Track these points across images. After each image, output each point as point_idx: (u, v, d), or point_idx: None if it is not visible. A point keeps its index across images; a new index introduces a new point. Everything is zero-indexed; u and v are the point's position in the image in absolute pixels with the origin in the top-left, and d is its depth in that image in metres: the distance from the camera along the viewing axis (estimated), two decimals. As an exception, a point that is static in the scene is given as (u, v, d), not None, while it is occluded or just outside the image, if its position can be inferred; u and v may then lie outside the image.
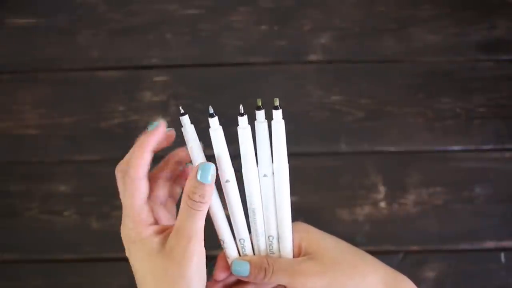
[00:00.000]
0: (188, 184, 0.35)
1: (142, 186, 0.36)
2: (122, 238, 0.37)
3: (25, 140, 0.70)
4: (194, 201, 0.34)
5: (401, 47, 0.72)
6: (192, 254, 0.34)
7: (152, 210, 0.37)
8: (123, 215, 0.37)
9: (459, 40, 0.72)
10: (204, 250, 0.35)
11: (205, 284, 0.35)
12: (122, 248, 0.37)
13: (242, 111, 0.35)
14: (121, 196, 0.38)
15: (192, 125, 0.37)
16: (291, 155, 0.69)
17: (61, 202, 0.68)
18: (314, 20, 0.73)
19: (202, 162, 0.35)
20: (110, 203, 0.67)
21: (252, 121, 0.36)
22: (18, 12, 0.74)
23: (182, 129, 0.37)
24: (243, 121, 0.35)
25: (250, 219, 0.38)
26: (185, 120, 0.36)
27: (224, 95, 0.71)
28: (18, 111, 0.71)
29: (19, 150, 0.70)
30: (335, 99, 0.71)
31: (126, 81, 0.72)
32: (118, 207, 0.67)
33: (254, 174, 0.37)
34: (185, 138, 0.37)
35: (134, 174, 0.36)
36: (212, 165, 0.35)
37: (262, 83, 0.71)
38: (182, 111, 0.36)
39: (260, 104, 0.35)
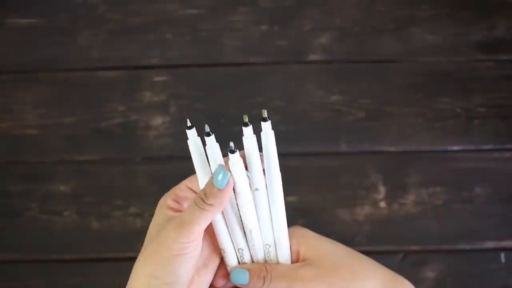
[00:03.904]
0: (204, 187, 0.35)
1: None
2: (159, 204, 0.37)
3: (25, 140, 0.70)
4: (200, 198, 0.34)
5: (400, 47, 0.72)
6: (183, 246, 0.34)
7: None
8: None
9: (459, 40, 0.72)
10: (199, 248, 0.35)
11: (190, 278, 0.35)
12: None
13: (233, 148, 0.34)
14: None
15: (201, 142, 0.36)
16: (291, 155, 0.70)
17: (61, 202, 0.68)
18: (314, 20, 0.73)
19: (219, 165, 0.35)
20: (110, 203, 0.67)
21: (251, 120, 0.35)
22: (18, 12, 0.74)
23: (188, 141, 0.36)
24: (233, 156, 0.34)
25: (248, 238, 0.38)
26: (191, 133, 0.35)
27: (224, 95, 0.71)
28: (18, 111, 0.71)
29: (19, 150, 0.70)
30: (335, 99, 0.71)
31: (126, 81, 0.72)
32: (118, 207, 0.68)
33: (247, 195, 0.36)
34: (190, 150, 0.36)
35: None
36: (225, 172, 0.34)
37: (262, 83, 0.71)
38: (189, 124, 0.35)
39: (247, 120, 0.34)
